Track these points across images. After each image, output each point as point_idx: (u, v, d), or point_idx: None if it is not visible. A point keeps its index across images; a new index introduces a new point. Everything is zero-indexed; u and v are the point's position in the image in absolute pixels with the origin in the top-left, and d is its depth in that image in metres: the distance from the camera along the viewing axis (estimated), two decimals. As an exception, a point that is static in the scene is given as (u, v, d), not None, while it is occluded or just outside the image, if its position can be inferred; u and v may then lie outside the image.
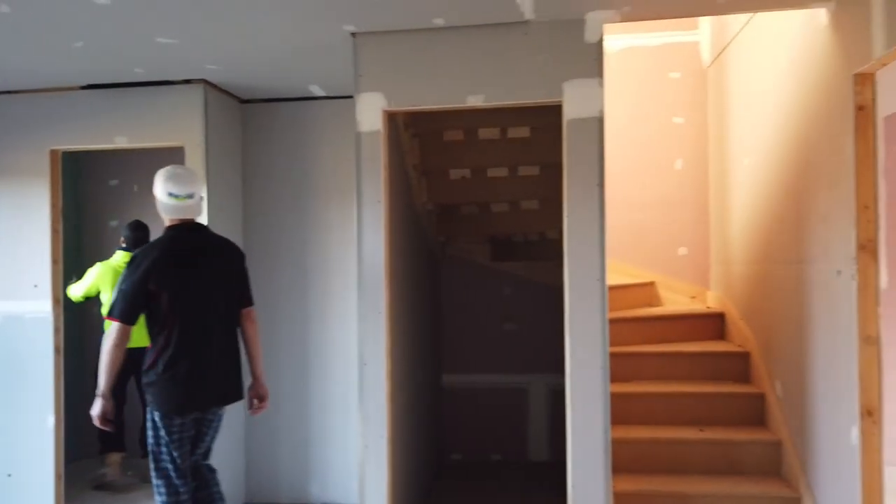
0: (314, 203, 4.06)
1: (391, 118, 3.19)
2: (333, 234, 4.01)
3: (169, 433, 2.62)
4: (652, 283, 4.74)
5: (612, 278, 4.64)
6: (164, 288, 2.58)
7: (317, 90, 3.92)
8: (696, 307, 4.55)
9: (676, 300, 4.74)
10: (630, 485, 3.25)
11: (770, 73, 3.55)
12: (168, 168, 2.73)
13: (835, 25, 2.76)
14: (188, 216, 2.71)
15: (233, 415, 3.84)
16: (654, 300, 4.74)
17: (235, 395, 2.81)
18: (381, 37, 3.00)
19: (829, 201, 2.81)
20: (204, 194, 2.85)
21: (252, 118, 4.11)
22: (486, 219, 4.59)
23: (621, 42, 4.91)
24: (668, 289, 4.80)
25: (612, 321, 4.17)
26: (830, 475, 2.82)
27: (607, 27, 2.92)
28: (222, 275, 2.76)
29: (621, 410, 3.65)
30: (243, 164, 4.10)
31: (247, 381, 2.90)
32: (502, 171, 4.22)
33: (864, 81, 2.59)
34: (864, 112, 2.60)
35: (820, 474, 2.93)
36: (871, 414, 2.56)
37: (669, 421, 3.64)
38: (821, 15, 2.88)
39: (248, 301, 2.86)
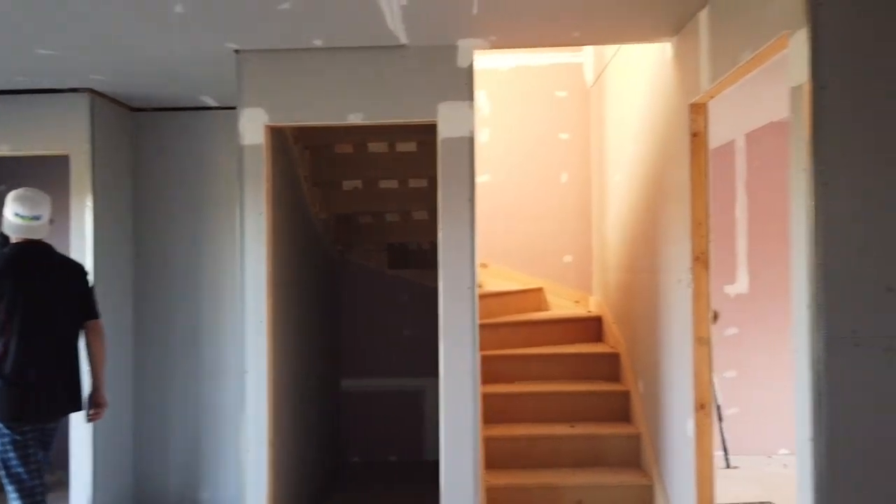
0: (208, 213, 4.10)
1: (278, 131, 3.31)
2: (227, 243, 4.06)
3: (18, 435, 2.69)
4: (540, 289, 5.02)
5: (504, 285, 4.95)
6: (0, 300, 2.69)
7: (209, 101, 3.98)
8: (579, 311, 4.86)
9: (562, 305, 5.04)
10: (505, 479, 3.48)
11: (633, 97, 3.88)
12: (19, 190, 2.87)
13: (676, 59, 3.08)
14: (32, 236, 2.85)
15: (122, 423, 3.84)
16: (543, 305, 5.03)
17: (73, 407, 2.91)
18: (263, 55, 3.11)
19: (672, 217, 3.13)
20: (50, 216, 2.94)
21: (143, 127, 4.12)
22: (380, 228, 4.76)
23: (512, 61, 5.17)
24: (555, 294, 5.09)
25: (502, 325, 4.46)
26: (674, 463, 3.14)
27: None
28: (62, 291, 2.88)
29: (504, 409, 3.91)
30: (134, 173, 4.10)
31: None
32: (393, 183, 4.40)
33: (697, 111, 2.91)
34: (698, 138, 2.92)
35: (667, 463, 3.24)
36: (703, 407, 2.87)
37: (546, 418, 3.89)
38: (667, 49, 3.20)
39: (91, 315, 2.98)
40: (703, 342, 2.88)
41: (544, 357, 4.26)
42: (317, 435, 4.21)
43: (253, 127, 3.11)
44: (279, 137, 3.38)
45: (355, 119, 3.14)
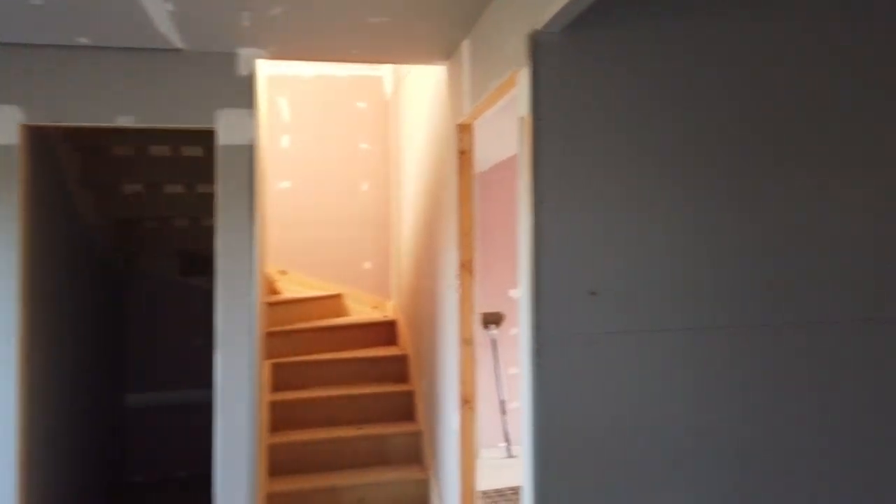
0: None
1: (39, 131, 3.08)
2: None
3: None
4: (339, 295, 5.11)
5: (304, 291, 4.97)
6: None
7: (-39, 93, 3.58)
8: (375, 316, 5.02)
9: (361, 310, 5.18)
10: (289, 485, 3.52)
11: (420, 113, 4.11)
12: None
13: (448, 82, 3.33)
14: None
15: None
16: (342, 311, 5.12)
17: None
18: (18, 49, 2.89)
19: (445, 227, 3.38)
20: None
21: None
22: (168, 234, 4.58)
23: (314, 69, 5.23)
24: (355, 300, 5.21)
25: (299, 332, 4.49)
26: (445, 455, 3.38)
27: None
28: None
29: (295, 415, 3.94)
30: None
31: None
32: (179, 188, 4.26)
33: (464, 130, 3.17)
34: (464, 156, 3.18)
35: (440, 456, 3.48)
36: (467, 402, 3.12)
37: (336, 422, 3.99)
38: (443, 71, 3.45)
39: None
40: (468, 342, 3.13)
41: (338, 362, 4.36)
42: (89, 456, 3.94)
43: (6, 126, 2.87)
44: (41, 137, 3.15)
45: (126, 122, 3.02)
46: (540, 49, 2.15)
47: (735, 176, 2.24)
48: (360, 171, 5.32)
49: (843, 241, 2.30)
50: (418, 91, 4.24)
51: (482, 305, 4.98)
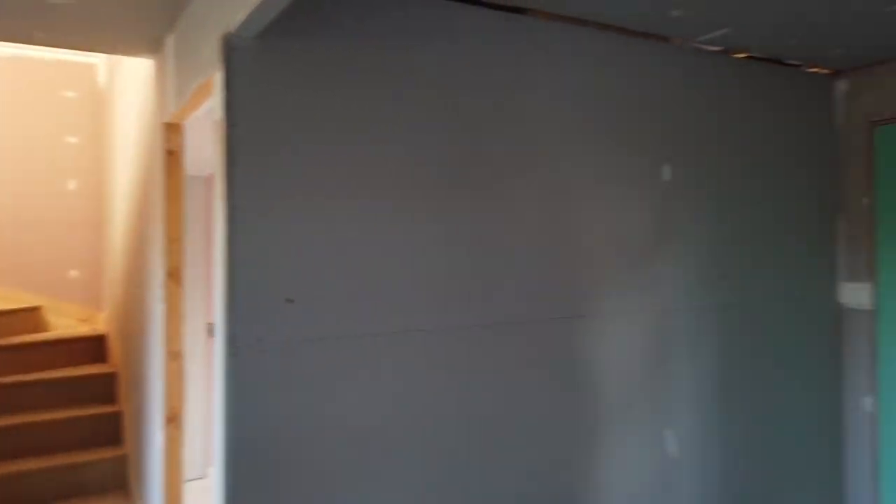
0: None
1: None
2: None
3: None
4: (37, 308, 4.48)
5: (-11, 304, 4.27)
6: None
7: None
8: (81, 331, 4.50)
9: (67, 324, 4.60)
10: (-47, 534, 2.98)
11: (133, 106, 3.79)
12: None
13: (156, 77, 3.11)
14: None
15: None
16: (41, 326, 4.50)
17: None
18: None
19: (154, 233, 3.14)
20: None
21: None
22: None
23: (6, 49, 4.54)
24: (57, 313, 4.62)
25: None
26: (150, 477, 3.14)
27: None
28: None
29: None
30: None
31: None
32: None
33: (172, 130, 2.98)
34: (173, 156, 2.99)
35: (146, 479, 3.22)
36: (173, 420, 2.93)
37: (24, 454, 3.49)
38: (152, 65, 3.21)
39: None
40: (175, 356, 2.95)
41: (29, 384, 3.82)
42: None
43: None
44: None
45: None
46: (234, 53, 2.09)
47: (428, 179, 2.32)
48: (67, 168, 4.74)
49: (527, 250, 2.55)
50: (132, 82, 3.90)
51: (212, 315, 4.74)
